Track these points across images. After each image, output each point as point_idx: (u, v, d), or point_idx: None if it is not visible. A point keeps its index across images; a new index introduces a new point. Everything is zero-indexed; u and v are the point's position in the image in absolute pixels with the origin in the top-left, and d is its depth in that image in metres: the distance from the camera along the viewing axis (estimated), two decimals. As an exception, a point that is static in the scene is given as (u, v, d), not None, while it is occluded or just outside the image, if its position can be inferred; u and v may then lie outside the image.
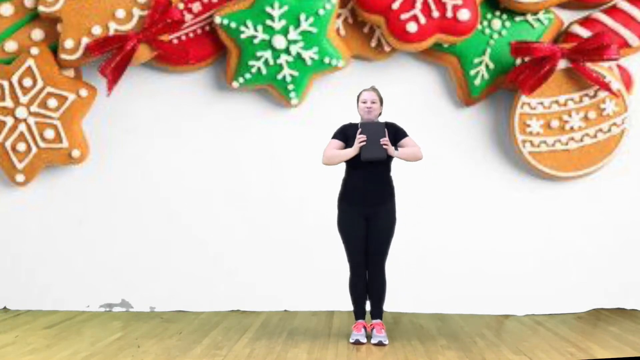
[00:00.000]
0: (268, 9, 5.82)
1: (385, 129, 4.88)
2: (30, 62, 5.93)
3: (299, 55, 5.87)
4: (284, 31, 5.84)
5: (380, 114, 5.07)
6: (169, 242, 6.15)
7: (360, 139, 4.86)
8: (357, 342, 4.89)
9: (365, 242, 5.00)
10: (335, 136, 5.06)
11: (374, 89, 5.10)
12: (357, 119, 5.11)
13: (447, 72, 6.11)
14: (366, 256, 5.02)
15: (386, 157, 4.90)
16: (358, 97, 5.09)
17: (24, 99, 5.95)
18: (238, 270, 6.11)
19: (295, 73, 5.90)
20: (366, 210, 4.97)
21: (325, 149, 5.02)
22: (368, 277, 5.04)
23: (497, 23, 5.93)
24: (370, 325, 5.04)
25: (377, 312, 5.05)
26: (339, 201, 5.08)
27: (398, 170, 6.07)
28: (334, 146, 5.01)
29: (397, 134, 5.00)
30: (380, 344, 4.87)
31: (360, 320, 5.05)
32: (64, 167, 6.15)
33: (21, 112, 5.95)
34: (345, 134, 5.02)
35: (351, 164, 5.00)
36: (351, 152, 4.91)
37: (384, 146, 4.85)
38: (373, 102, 5.02)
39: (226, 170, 6.17)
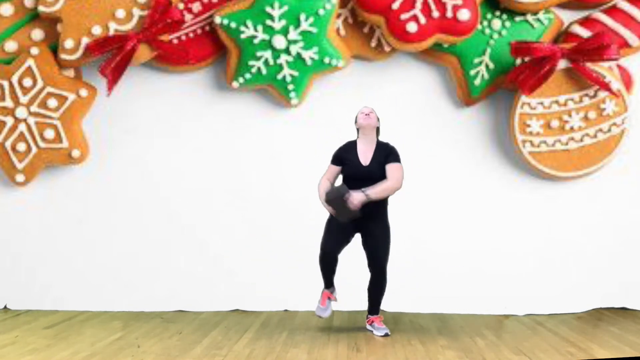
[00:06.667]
0: (268, 9, 5.82)
1: (348, 190, 4.94)
2: (30, 62, 5.93)
3: (299, 55, 5.86)
4: (284, 31, 5.84)
5: (378, 128, 5.23)
6: (169, 242, 6.15)
7: (329, 210, 5.05)
8: (320, 316, 5.35)
9: (343, 245, 5.19)
10: (332, 161, 5.24)
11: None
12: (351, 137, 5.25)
13: (447, 72, 6.11)
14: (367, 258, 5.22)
15: (361, 214, 4.99)
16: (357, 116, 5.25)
17: (24, 99, 5.95)
18: (238, 270, 6.11)
19: (295, 73, 5.90)
20: (359, 223, 5.11)
21: (322, 177, 5.22)
22: (369, 281, 5.23)
23: (497, 23, 5.93)
24: (369, 320, 5.27)
25: (376, 310, 5.30)
26: None
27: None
28: (330, 173, 5.22)
29: (387, 157, 5.12)
30: (386, 335, 5.11)
31: (326, 290, 5.31)
32: (64, 167, 6.15)
33: (21, 112, 5.95)
34: (340, 158, 5.20)
35: (344, 180, 5.18)
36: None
37: (353, 207, 4.94)
38: (370, 112, 5.20)
39: (226, 170, 6.16)
